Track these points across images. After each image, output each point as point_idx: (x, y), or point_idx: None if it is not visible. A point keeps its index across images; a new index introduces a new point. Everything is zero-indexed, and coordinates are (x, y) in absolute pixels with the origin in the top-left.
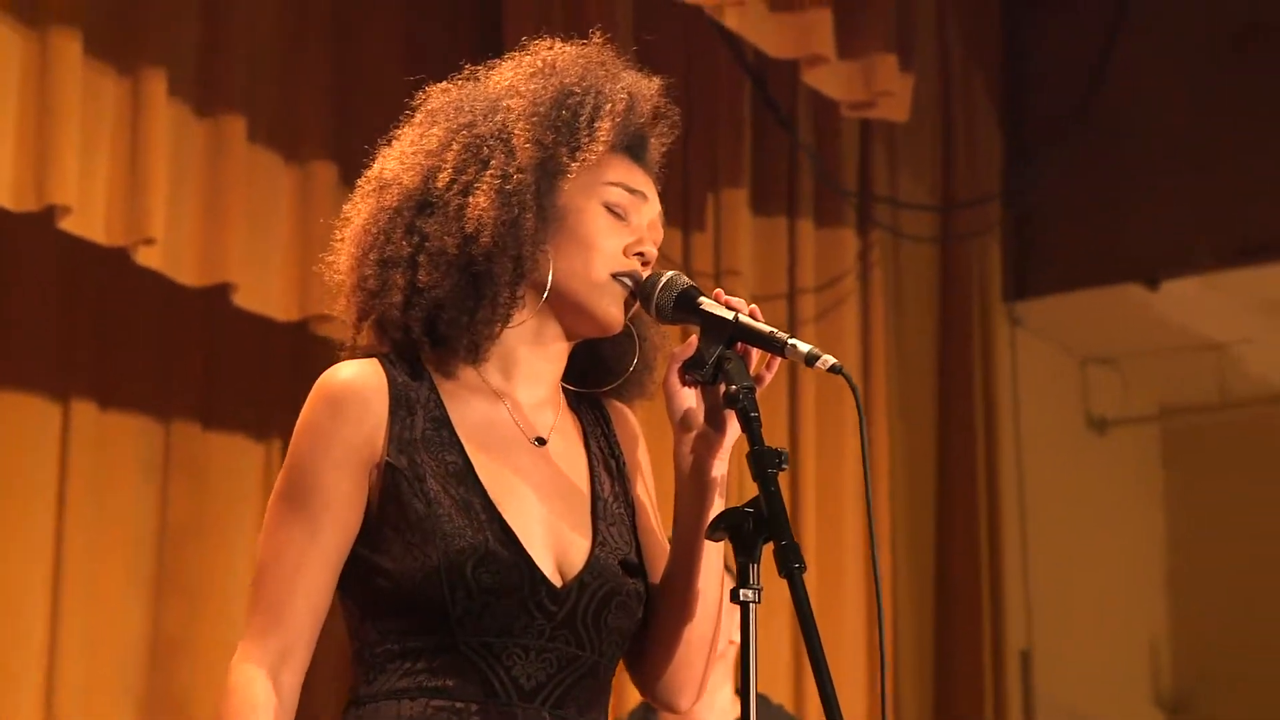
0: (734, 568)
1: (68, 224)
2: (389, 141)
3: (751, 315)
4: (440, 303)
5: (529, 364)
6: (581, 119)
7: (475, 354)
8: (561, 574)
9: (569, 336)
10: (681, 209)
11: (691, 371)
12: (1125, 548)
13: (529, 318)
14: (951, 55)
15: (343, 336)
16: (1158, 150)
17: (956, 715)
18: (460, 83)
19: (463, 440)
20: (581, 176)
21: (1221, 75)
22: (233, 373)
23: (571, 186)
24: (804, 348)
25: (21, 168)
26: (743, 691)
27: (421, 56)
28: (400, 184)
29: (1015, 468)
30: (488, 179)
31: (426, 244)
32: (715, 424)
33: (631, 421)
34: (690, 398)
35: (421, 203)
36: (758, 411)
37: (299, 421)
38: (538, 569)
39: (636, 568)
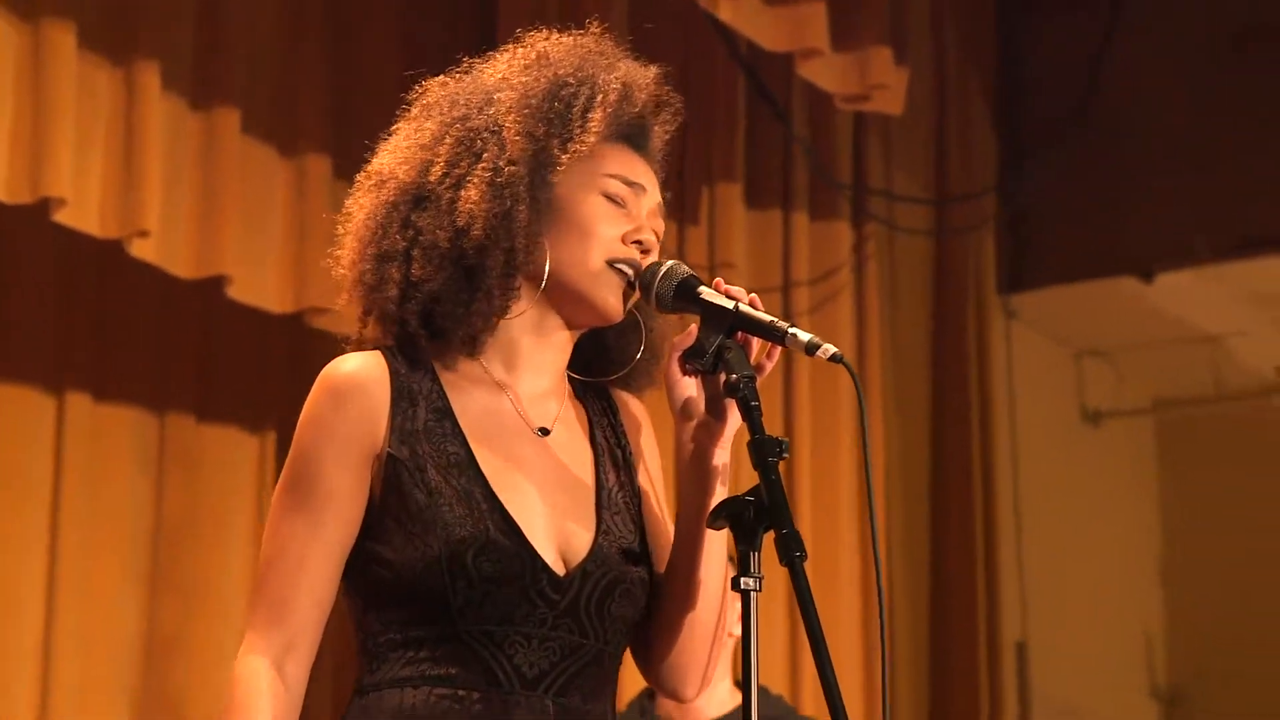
0: (735, 556)
1: (62, 216)
2: (388, 135)
3: (751, 304)
4: (435, 296)
5: (532, 355)
6: (574, 110)
7: (472, 346)
8: (565, 563)
9: (570, 326)
10: (676, 202)
11: (692, 360)
12: (1120, 540)
13: (528, 308)
14: (947, 53)
15: (337, 329)
16: (1153, 146)
17: (951, 707)
18: (457, 76)
19: (465, 431)
20: (579, 167)
21: (1216, 72)
22: (228, 366)
23: (568, 178)
24: (804, 337)
25: (16, 160)
26: (744, 678)
27: (418, 50)
28: (396, 179)
29: (1010, 460)
30: (479, 172)
31: (420, 238)
32: (716, 413)
33: (638, 411)
34: (691, 387)
35: (417, 197)
36: (758, 400)
37: (302, 414)
38: (539, 557)
39: (640, 556)
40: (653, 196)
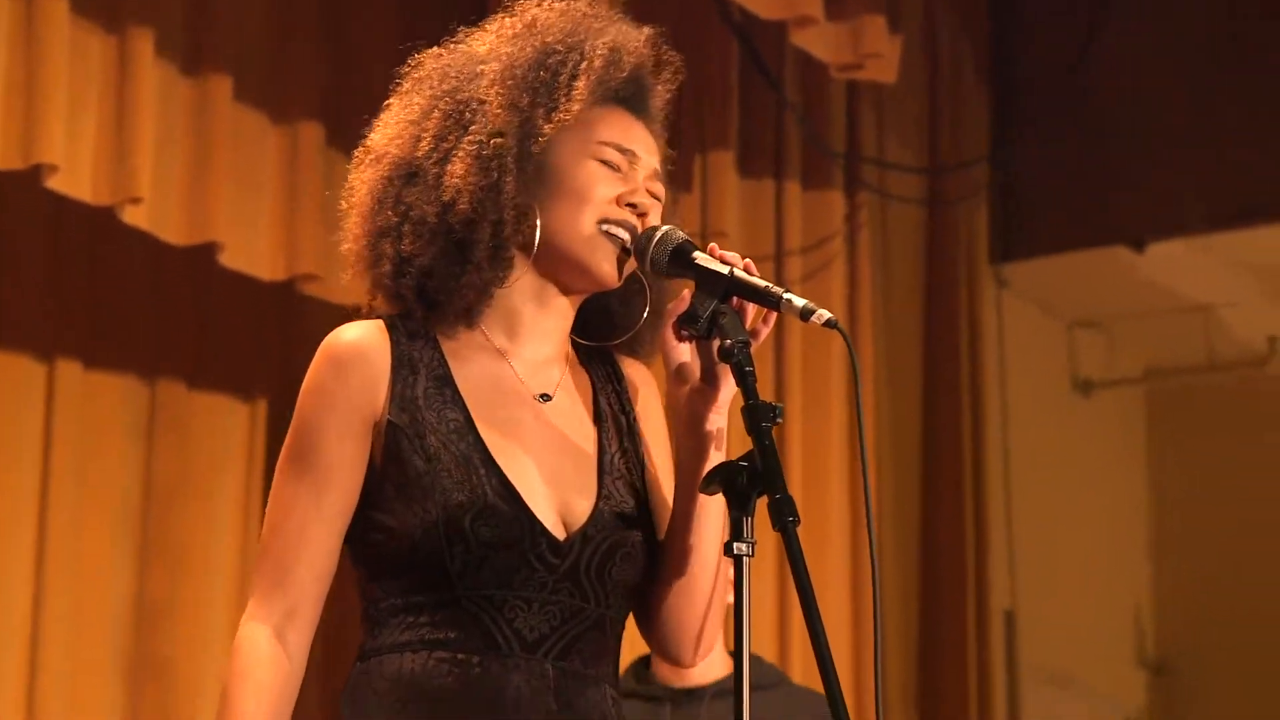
0: None
1: (54, 183)
2: (383, 108)
3: (746, 270)
4: (427, 270)
5: (533, 322)
6: (561, 78)
7: (468, 318)
8: (565, 527)
9: (569, 293)
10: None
11: (686, 326)
12: (1110, 509)
13: (526, 276)
14: (939, 19)
15: (328, 296)
16: (1145, 116)
17: (940, 675)
18: (451, 46)
19: (465, 398)
20: (572, 134)
21: (1209, 41)
22: (219, 333)
23: (562, 145)
24: (799, 302)
25: (8, 126)
26: (735, 644)
27: (411, 17)
28: (389, 154)
29: (1001, 430)
30: (465, 145)
31: (411, 213)
32: (710, 378)
33: (643, 377)
34: (685, 352)
35: (409, 172)
36: (753, 366)
37: (304, 383)
38: (538, 522)
39: (642, 521)
40: (649, 160)
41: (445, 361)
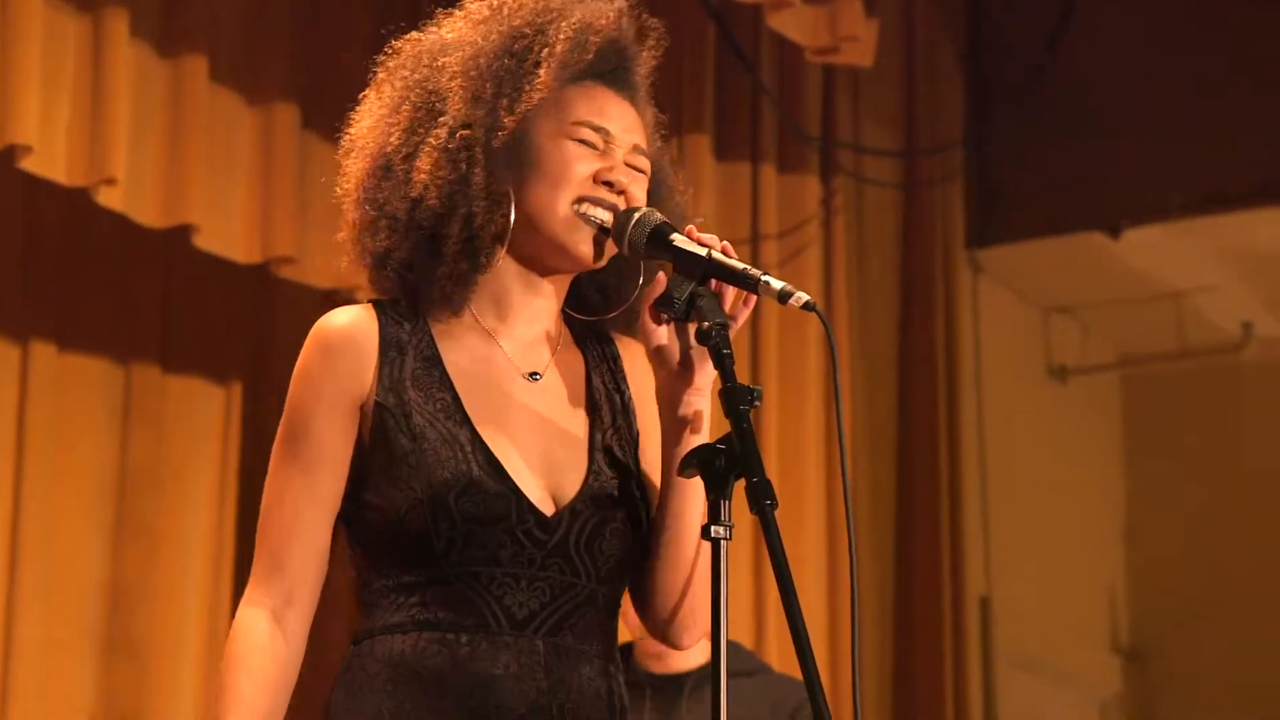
0: None
1: (28, 164)
2: (363, 98)
3: (724, 252)
4: (406, 264)
5: (522, 302)
6: (526, 64)
7: (451, 306)
8: (555, 503)
9: (553, 273)
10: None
11: (663, 308)
12: (1084, 496)
13: (508, 259)
14: (915, 3)
15: (303, 279)
16: (1121, 98)
17: (915, 661)
18: (426, 29)
19: (453, 378)
20: (548, 116)
21: (1184, 26)
22: (194, 315)
23: (536, 127)
24: (777, 284)
25: None
26: (713, 627)
27: None
28: (367, 147)
29: (976, 415)
30: (431, 140)
31: (385, 208)
32: (688, 361)
33: (640, 356)
34: (663, 335)
35: (384, 166)
36: (730, 348)
37: (295, 369)
38: (525, 498)
39: (633, 498)
40: (628, 136)
41: (434, 343)
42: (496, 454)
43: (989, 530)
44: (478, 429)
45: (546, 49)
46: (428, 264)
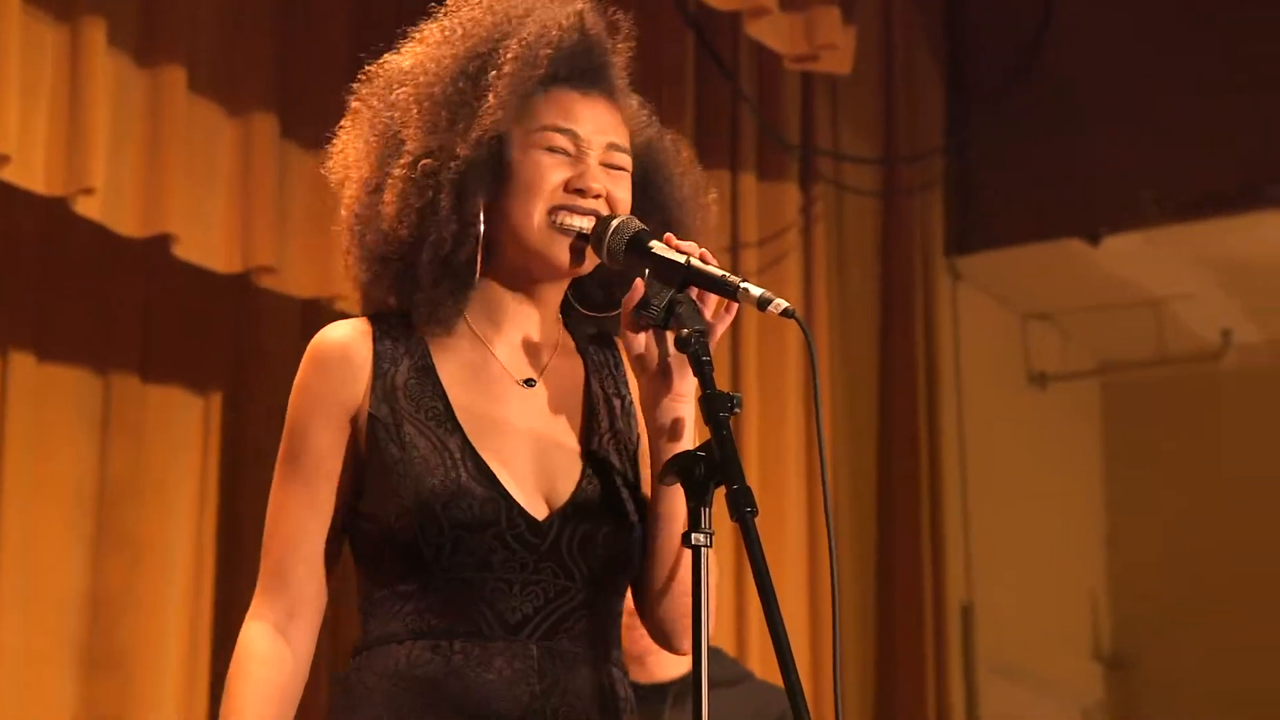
0: None
1: (7, 173)
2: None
3: (702, 259)
4: (390, 290)
5: (515, 309)
6: (480, 87)
7: (438, 326)
8: (548, 507)
9: (541, 281)
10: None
11: (642, 315)
12: (1065, 502)
13: (498, 270)
14: (894, 11)
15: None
16: (1100, 106)
17: (897, 669)
18: (401, 49)
19: (446, 386)
20: (518, 127)
21: (1164, 32)
22: (173, 326)
23: (509, 140)
24: (756, 291)
25: None
26: (694, 634)
27: (366, 7)
28: (346, 177)
29: (956, 422)
30: (396, 171)
31: (363, 240)
32: (669, 368)
33: None
34: (642, 342)
35: (361, 198)
36: (709, 355)
37: (294, 384)
38: (515, 502)
39: (628, 502)
40: (599, 137)
41: (428, 352)
42: (487, 460)
43: (970, 537)
44: (469, 436)
45: (495, 72)
46: (405, 290)
